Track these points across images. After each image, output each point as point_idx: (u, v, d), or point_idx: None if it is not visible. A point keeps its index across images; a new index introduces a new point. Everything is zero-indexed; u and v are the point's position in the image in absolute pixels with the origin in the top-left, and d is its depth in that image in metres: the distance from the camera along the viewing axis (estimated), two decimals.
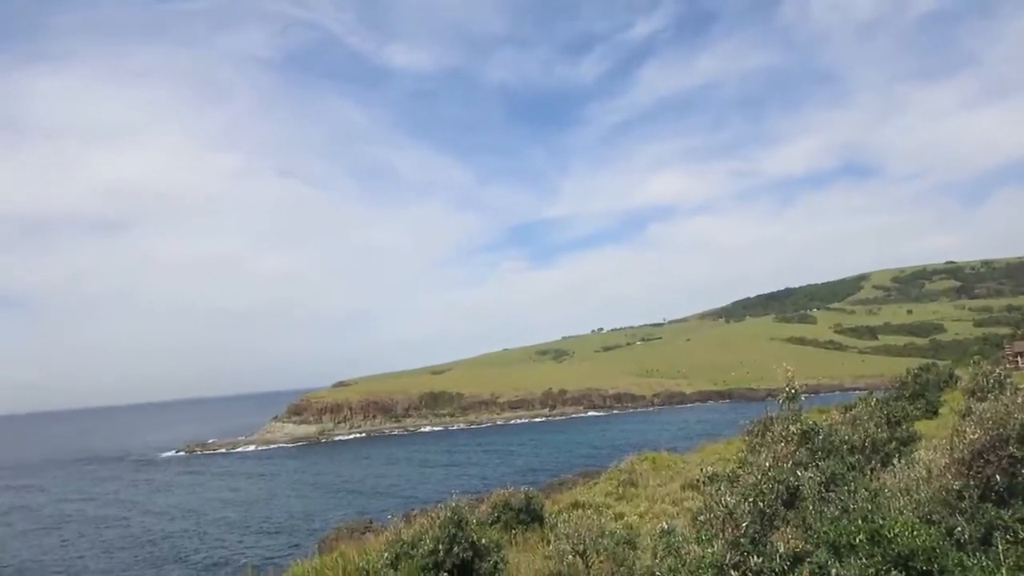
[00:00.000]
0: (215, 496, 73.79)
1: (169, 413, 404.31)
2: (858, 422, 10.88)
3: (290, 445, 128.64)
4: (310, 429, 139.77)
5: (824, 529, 5.80)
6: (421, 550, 10.01)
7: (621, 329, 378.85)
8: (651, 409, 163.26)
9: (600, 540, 9.62)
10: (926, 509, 6.13)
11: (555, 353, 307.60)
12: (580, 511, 13.28)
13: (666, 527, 8.14)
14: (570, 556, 9.64)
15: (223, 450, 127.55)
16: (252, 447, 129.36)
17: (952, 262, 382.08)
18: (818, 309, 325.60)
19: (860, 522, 5.73)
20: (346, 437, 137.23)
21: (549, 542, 10.83)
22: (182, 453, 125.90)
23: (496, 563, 10.18)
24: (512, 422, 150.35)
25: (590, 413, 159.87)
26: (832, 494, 6.55)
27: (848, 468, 7.51)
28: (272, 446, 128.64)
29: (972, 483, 6.07)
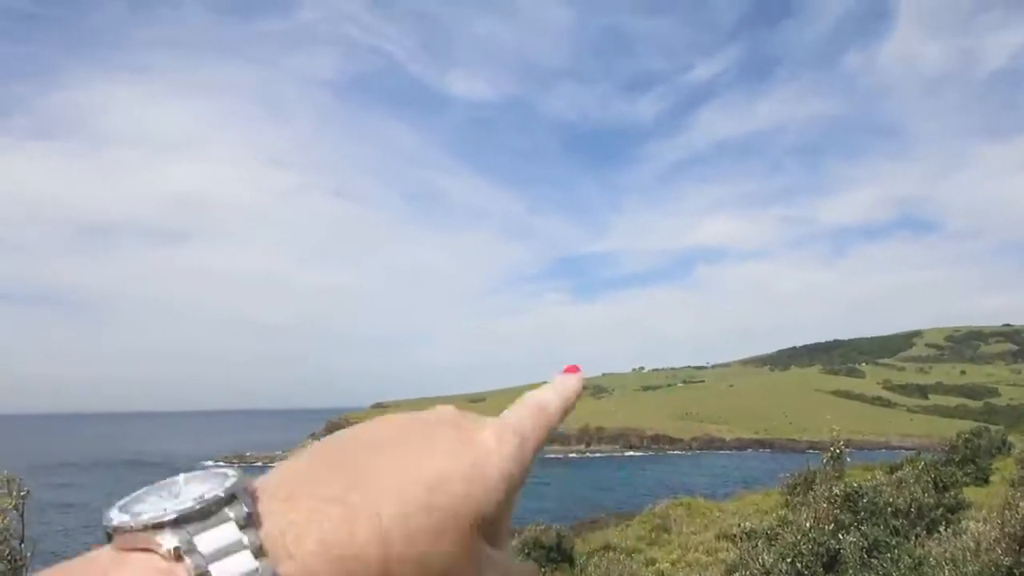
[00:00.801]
0: None
1: (209, 422, 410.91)
2: (904, 484, 10.53)
3: None
4: None
5: None
6: None
7: (662, 370, 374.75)
8: (689, 453, 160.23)
9: None
10: None
11: (594, 389, 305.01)
12: (611, 554, 13.09)
13: None
14: None
15: (260, 463, 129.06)
16: None
17: (1009, 325, 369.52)
18: (867, 363, 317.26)
19: None
20: None
21: None
22: (217, 463, 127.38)
23: None
24: (546, 456, 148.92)
25: (626, 453, 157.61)
26: (874, 560, 6.36)
27: (892, 532, 7.27)
28: None
29: None
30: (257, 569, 0.45)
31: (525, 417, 0.65)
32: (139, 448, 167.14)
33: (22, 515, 4.85)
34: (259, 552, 0.47)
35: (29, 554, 4.86)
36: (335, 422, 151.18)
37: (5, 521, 4.75)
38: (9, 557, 4.74)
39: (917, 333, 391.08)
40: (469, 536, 0.57)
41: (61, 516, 69.80)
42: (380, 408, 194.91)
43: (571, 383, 0.71)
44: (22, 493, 4.85)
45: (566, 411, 0.68)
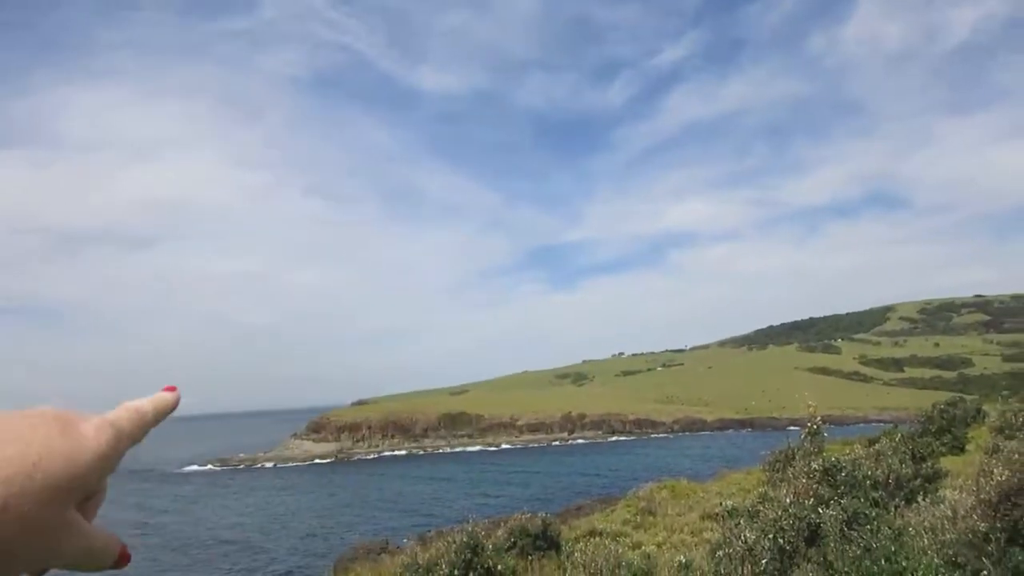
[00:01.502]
0: (233, 512, 73.98)
1: (190, 427, 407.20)
2: (882, 457, 10.66)
3: (308, 463, 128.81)
4: (328, 447, 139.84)
5: (846, 569, 5.70)
6: (437, 574, 9.97)
7: (642, 354, 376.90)
8: (671, 436, 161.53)
9: (617, 570, 9.50)
10: (951, 551, 6.00)
11: (575, 377, 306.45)
12: (597, 539, 13.13)
13: (684, 560, 8.03)
14: None
15: (242, 466, 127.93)
16: (271, 464, 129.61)
17: (981, 296, 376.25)
18: (843, 339, 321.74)
19: (883, 562, 5.62)
20: (364, 456, 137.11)
21: (566, 570, 10.72)
22: (203, 467, 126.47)
23: None
24: (530, 445, 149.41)
25: (610, 438, 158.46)
26: (854, 532, 6.43)
27: (871, 505, 7.36)
28: (291, 463, 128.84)
29: (999, 525, 5.93)
30: None
31: (123, 417, 0.84)
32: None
33: None
34: None
35: None
36: (317, 421, 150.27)
37: None
38: None
39: (891, 308, 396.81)
40: (65, 505, 0.75)
41: None
42: (361, 405, 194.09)
43: (167, 397, 0.88)
44: None
45: (158, 418, 0.87)
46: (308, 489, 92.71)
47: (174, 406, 0.88)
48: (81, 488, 0.73)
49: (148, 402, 0.85)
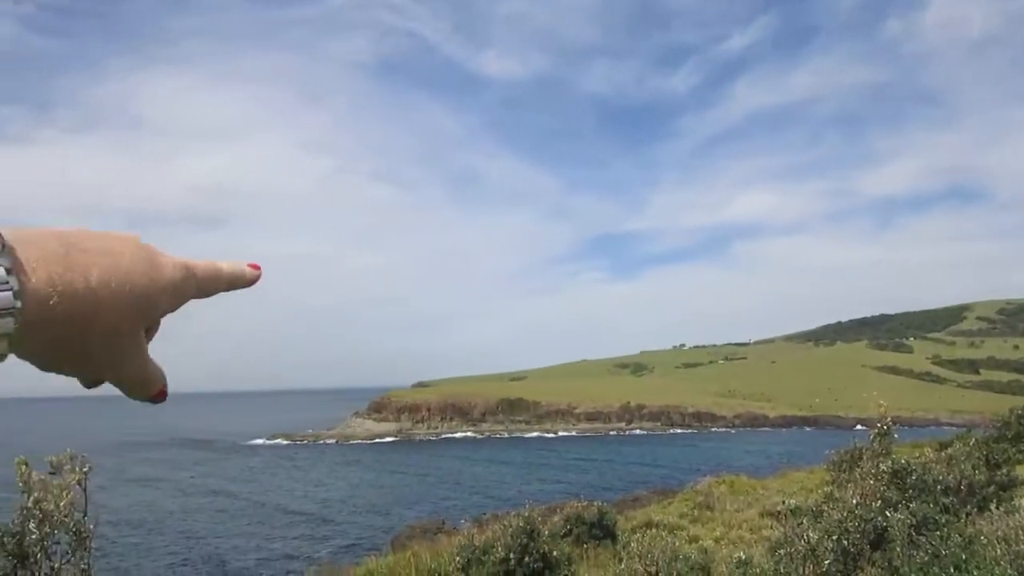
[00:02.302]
0: (299, 485, 76.40)
1: (256, 402, 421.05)
2: (954, 461, 10.30)
3: (368, 441, 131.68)
4: (389, 427, 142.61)
5: (912, 575, 5.58)
6: (492, 557, 10.12)
7: (703, 347, 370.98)
8: (731, 430, 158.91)
9: (674, 563, 9.48)
10: None
11: (634, 367, 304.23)
12: (654, 531, 13.10)
13: (743, 556, 7.97)
14: None
15: (307, 441, 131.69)
16: (333, 440, 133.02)
17: None
18: (915, 338, 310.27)
19: (952, 570, 5.48)
20: (424, 437, 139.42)
21: (621, 560, 10.74)
22: (268, 442, 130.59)
23: None
24: (587, 434, 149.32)
25: (668, 430, 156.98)
26: (923, 538, 6.27)
27: (941, 510, 7.16)
28: (352, 441, 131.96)
29: None
30: (7, 280, 0.60)
31: (200, 265, 0.88)
32: (194, 427, 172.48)
33: (85, 490, 5.05)
34: (9, 271, 0.61)
35: (92, 526, 5.06)
36: (378, 401, 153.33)
37: (70, 496, 4.96)
38: (75, 530, 4.95)
39: (967, 307, 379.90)
40: (143, 319, 0.80)
41: (142, 489, 73.01)
42: (422, 387, 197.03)
43: (246, 270, 0.94)
44: (85, 469, 5.05)
45: (232, 283, 0.92)
46: (370, 466, 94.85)
47: (251, 281, 0.93)
48: (156, 308, 0.79)
49: (227, 264, 0.92)
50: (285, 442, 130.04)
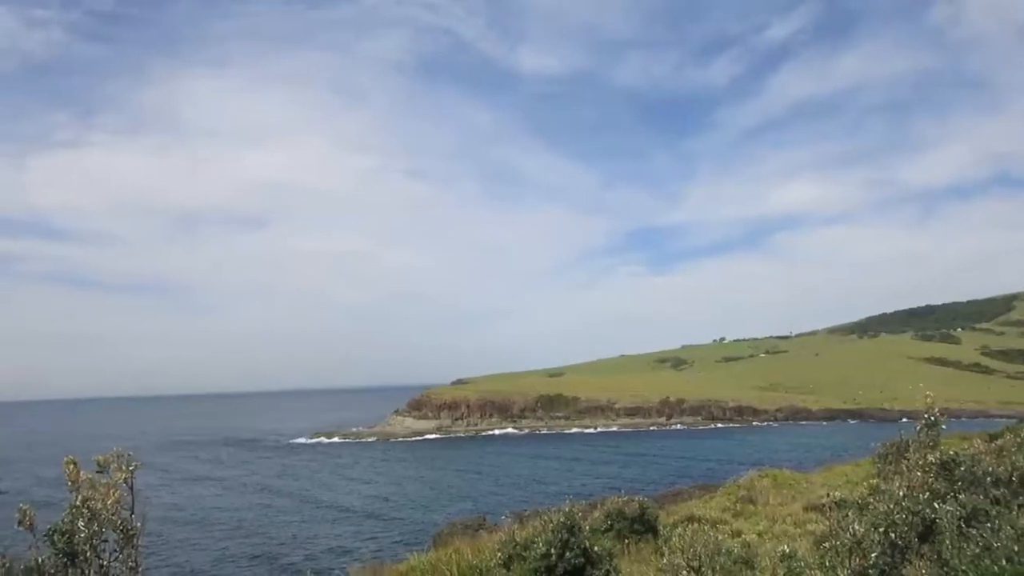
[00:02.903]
0: (339, 484, 77.44)
1: (296, 401, 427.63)
2: (1005, 453, 9.99)
3: (409, 439, 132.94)
4: (429, 424, 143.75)
5: (963, 567, 5.43)
6: (534, 553, 10.12)
7: (744, 340, 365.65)
8: (773, 424, 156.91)
9: (716, 557, 9.36)
10: None
11: (674, 361, 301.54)
12: (696, 525, 12.98)
13: (787, 550, 7.85)
14: (684, 572, 9.43)
15: (347, 440, 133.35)
16: (374, 439, 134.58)
17: None
18: (963, 329, 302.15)
19: (1004, 563, 5.32)
20: (463, 434, 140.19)
21: (663, 555, 10.64)
22: (310, 440, 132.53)
23: (608, 572, 10.15)
24: (627, 429, 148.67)
25: (709, 425, 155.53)
26: (973, 530, 6.10)
27: (992, 502, 6.96)
28: (392, 439, 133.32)
29: None
30: None
31: None
32: (239, 426, 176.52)
33: (132, 488, 5.16)
34: None
35: (140, 524, 5.18)
36: (418, 399, 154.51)
37: (117, 494, 5.07)
38: (122, 527, 5.07)
39: (1016, 296, 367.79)
40: None
41: (190, 487, 74.92)
42: (461, 384, 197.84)
43: None
44: (131, 467, 5.16)
45: None
46: (411, 464, 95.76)
47: None
48: None
49: None
50: (327, 440, 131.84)
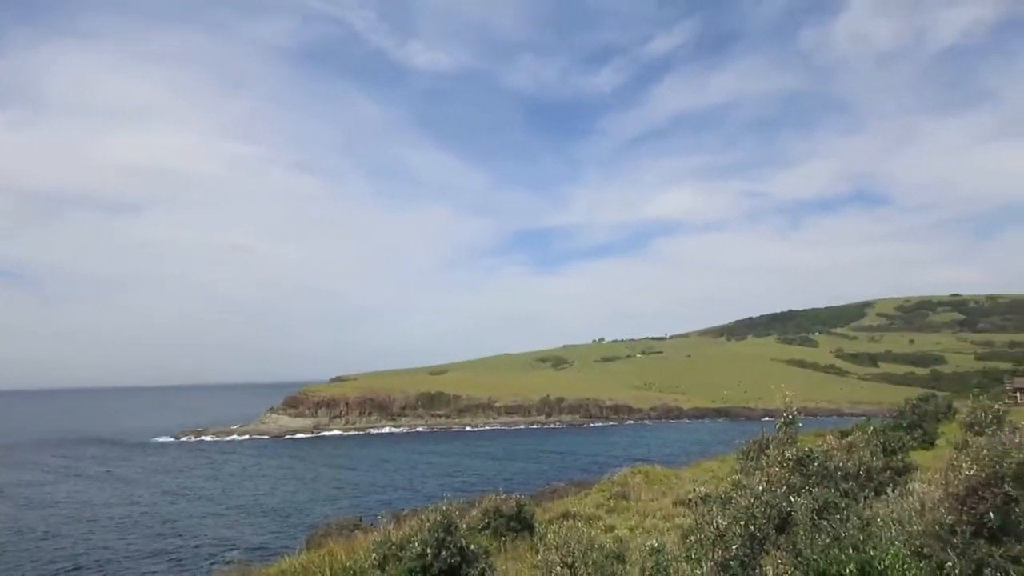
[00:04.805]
0: (204, 485, 73.80)
1: (165, 398, 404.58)
2: (854, 449, 10.79)
3: (284, 438, 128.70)
4: (305, 423, 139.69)
5: (814, 556, 5.78)
6: (409, 553, 9.98)
7: (622, 341, 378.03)
8: (647, 423, 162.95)
9: (589, 553, 9.55)
10: (918, 542, 6.10)
11: (555, 361, 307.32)
12: (570, 522, 13.22)
13: (656, 544, 8.11)
14: (558, 568, 9.57)
15: (216, 439, 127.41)
16: (246, 437, 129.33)
17: (957, 295, 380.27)
18: (820, 333, 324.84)
19: (851, 551, 5.70)
20: (341, 433, 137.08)
21: (538, 552, 10.78)
22: (175, 439, 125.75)
23: (484, 570, 10.15)
24: (508, 427, 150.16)
25: (587, 423, 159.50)
26: (824, 521, 6.52)
27: (841, 495, 7.47)
28: (265, 437, 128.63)
29: (965, 519, 6.03)
30: None
31: None
32: (97, 425, 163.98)
33: None
34: None
35: None
36: (294, 396, 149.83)
37: None
38: None
39: (869, 304, 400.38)
40: None
41: (33, 491, 68.47)
42: (340, 382, 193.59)
43: None
44: None
45: None
46: (283, 464, 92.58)
47: None
48: None
49: None
50: (193, 439, 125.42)
